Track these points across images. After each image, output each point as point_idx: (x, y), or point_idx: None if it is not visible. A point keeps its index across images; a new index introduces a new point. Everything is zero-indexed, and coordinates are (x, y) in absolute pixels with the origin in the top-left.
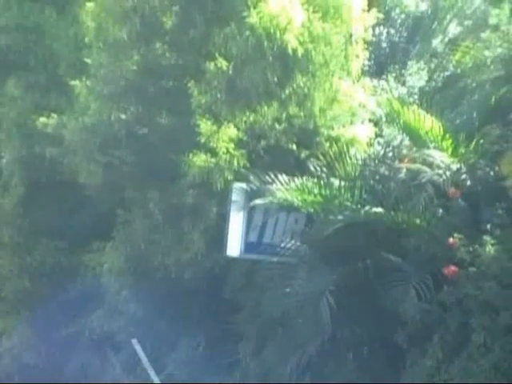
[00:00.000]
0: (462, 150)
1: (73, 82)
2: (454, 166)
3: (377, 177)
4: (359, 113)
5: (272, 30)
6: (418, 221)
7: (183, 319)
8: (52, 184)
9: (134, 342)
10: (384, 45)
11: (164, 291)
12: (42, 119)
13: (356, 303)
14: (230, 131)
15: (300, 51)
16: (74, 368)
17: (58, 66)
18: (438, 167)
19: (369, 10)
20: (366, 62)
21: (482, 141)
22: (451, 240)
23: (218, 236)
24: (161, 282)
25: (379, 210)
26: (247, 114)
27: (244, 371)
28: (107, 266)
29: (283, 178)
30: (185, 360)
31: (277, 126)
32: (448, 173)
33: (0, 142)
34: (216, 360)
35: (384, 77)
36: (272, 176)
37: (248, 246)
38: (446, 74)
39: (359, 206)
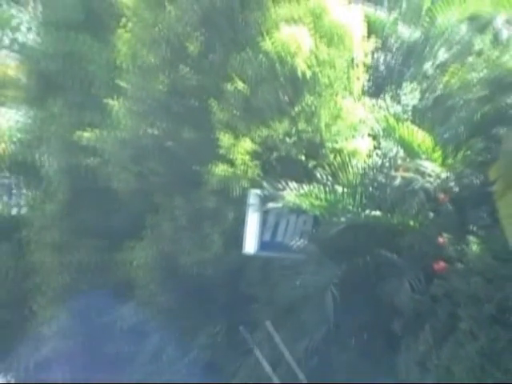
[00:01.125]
0: (450, 160)
1: (108, 101)
2: (443, 175)
3: (375, 184)
4: (360, 128)
5: (283, 55)
6: (411, 222)
7: (205, 310)
8: (90, 190)
9: (268, 324)
10: (382, 68)
11: (188, 286)
12: (81, 133)
13: (357, 295)
14: (246, 144)
15: (308, 74)
16: (107, 352)
17: (94, 86)
18: (429, 176)
19: (368, 38)
20: (366, 83)
21: (468, 152)
22: (441, 239)
23: (235, 237)
24: (185, 277)
25: (377, 213)
26: (261, 129)
27: (259, 355)
28: (137, 262)
29: (293, 185)
30: (207, 345)
31: (287, 139)
32: (438, 180)
33: (45, 154)
34: (234, 345)
35: (381, 96)
36: (283, 183)
37: (263, 245)
38: (436, 93)
39: (360, 210)
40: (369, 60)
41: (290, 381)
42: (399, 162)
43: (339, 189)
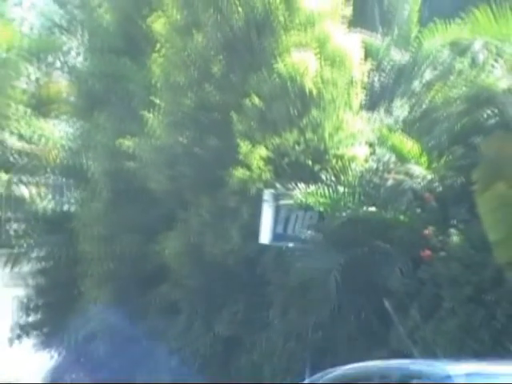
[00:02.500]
0: (434, 164)
1: (144, 114)
2: (429, 177)
3: (371, 185)
4: (358, 137)
5: (293, 75)
6: (401, 217)
7: (226, 292)
8: (129, 190)
9: (386, 302)
10: (376, 86)
11: (212, 271)
12: (122, 141)
13: (356, 279)
14: (262, 151)
15: (314, 91)
16: (143, 327)
17: (133, 102)
18: (417, 177)
19: (365, 60)
20: (363, 99)
21: (449, 158)
22: (426, 231)
23: (252, 230)
24: (210, 264)
25: (373, 209)
26: (274, 138)
27: (273, 330)
28: (169, 251)
29: (301, 185)
30: (228, 322)
31: (296, 147)
32: (424, 182)
33: (91, 159)
34: (252, 322)
35: (376, 110)
36: (293, 184)
37: (276, 236)
38: (423, 108)
39: (358, 206)
40: (365, 79)
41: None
42: (391, 166)
43: (341, 188)
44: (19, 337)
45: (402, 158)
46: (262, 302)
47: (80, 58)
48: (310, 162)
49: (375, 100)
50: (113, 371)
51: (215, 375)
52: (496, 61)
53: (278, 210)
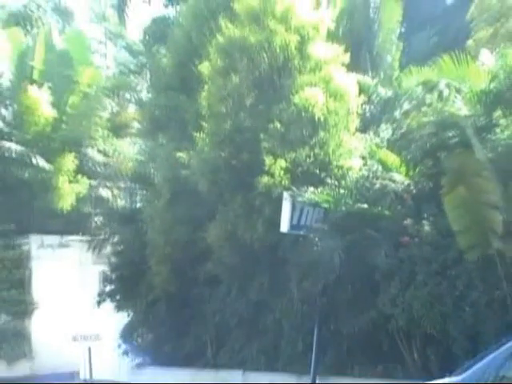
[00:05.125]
0: (411, 173)
1: (195, 135)
2: (406, 182)
3: (364, 188)
4: (354, 152)
5: (306, 106)
6: (386, 212)
7: (255, 268)
8: (183, 192)
9: None
10: (367, 115)
11: (244, 252)
12: (179, 155)
13: (353, 257)
14: (282, 163)
15: (321, 118)
16: (194, 293)
17: (187, 126)
18: (397, 182)
19: (359, 95)
20: (358, 124)
21: (422, 168)
22: (405, 222)
23: (273, 222)
24: (242, 247)
25: (365, 205)
26: (291, 153)
27: (290, 296)
28: (211, 237)
29: (311, 188)
30: (258, 290)
31: (308, 160)
32: (403, 186)
33: (155, 169)
34: (275, 289)
35: (367, 132)
36: (305, 187)
37: (292, 226)
38: (402, 131)
39: (354, 203)
40: (359, 109)
41: None
42: (378, 173)
43: (341, 190)
44: (104, 300)
45: (386, 168)
46: (282, 276)
47: (147, 94)
48: (317, 171)
49: (366, 125)
50: (170, 327)
51: (248, 328)
52: (456, 96)
53: (294, 206)
